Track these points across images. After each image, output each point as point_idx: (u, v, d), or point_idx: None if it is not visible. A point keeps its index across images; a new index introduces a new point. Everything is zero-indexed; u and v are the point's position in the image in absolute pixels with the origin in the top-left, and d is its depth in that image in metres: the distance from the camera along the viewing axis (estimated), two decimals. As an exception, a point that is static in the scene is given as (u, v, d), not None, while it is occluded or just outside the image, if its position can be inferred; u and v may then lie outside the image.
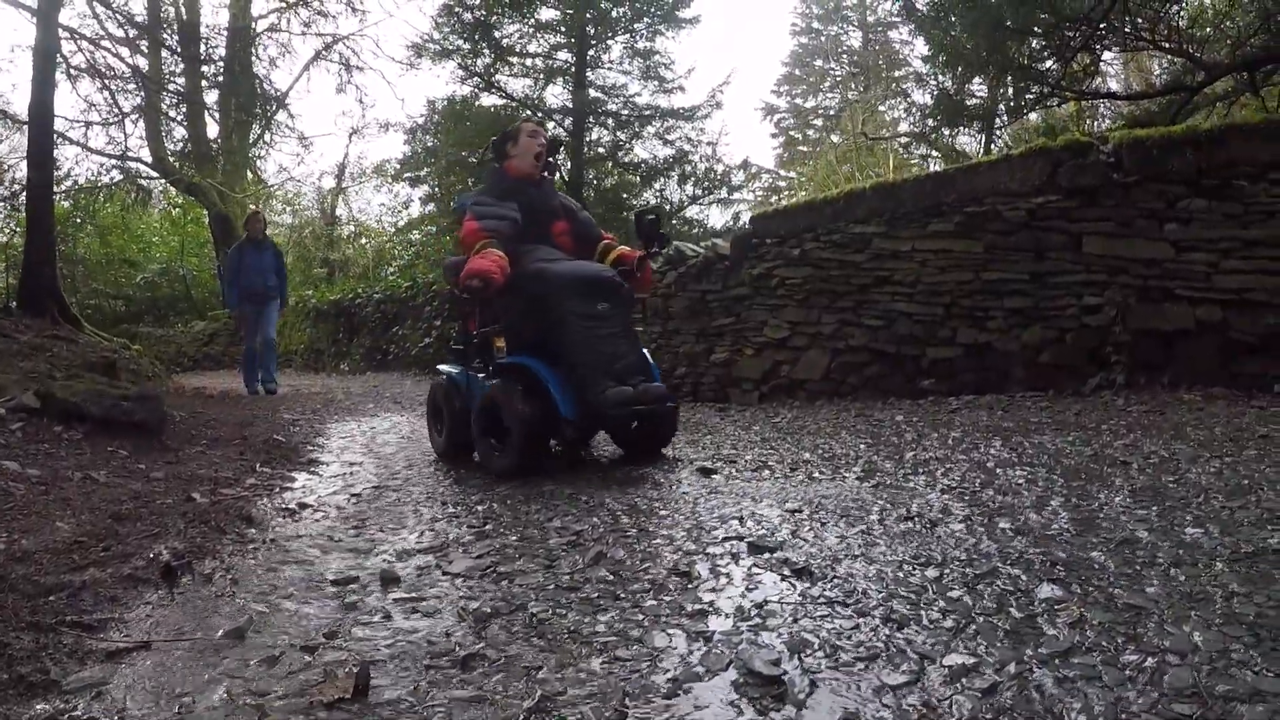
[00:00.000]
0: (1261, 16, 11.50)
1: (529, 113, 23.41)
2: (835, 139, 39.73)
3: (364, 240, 35.98)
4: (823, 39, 51.75)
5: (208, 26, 20.39)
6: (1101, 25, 11.72)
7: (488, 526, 4.45)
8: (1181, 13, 12.48)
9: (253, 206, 17.89)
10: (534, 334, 6.17)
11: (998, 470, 4.94)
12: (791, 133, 51.17)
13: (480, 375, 6.64)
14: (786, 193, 44.55)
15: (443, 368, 7.48)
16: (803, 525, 3.98)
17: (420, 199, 28.20)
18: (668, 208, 23.65)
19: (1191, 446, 5.20)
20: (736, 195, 25.89)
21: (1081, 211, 8.08)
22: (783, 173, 47.63)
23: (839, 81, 50.27)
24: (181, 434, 7.18)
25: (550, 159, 7.12)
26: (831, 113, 48.22)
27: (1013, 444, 5.79)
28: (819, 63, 51.02)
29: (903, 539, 3.64)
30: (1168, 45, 12.39)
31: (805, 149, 47.77)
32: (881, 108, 34.01)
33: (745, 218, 20.94)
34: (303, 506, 5.18)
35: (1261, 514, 3.57)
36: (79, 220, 24.76)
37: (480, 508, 4.98)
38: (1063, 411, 7.16)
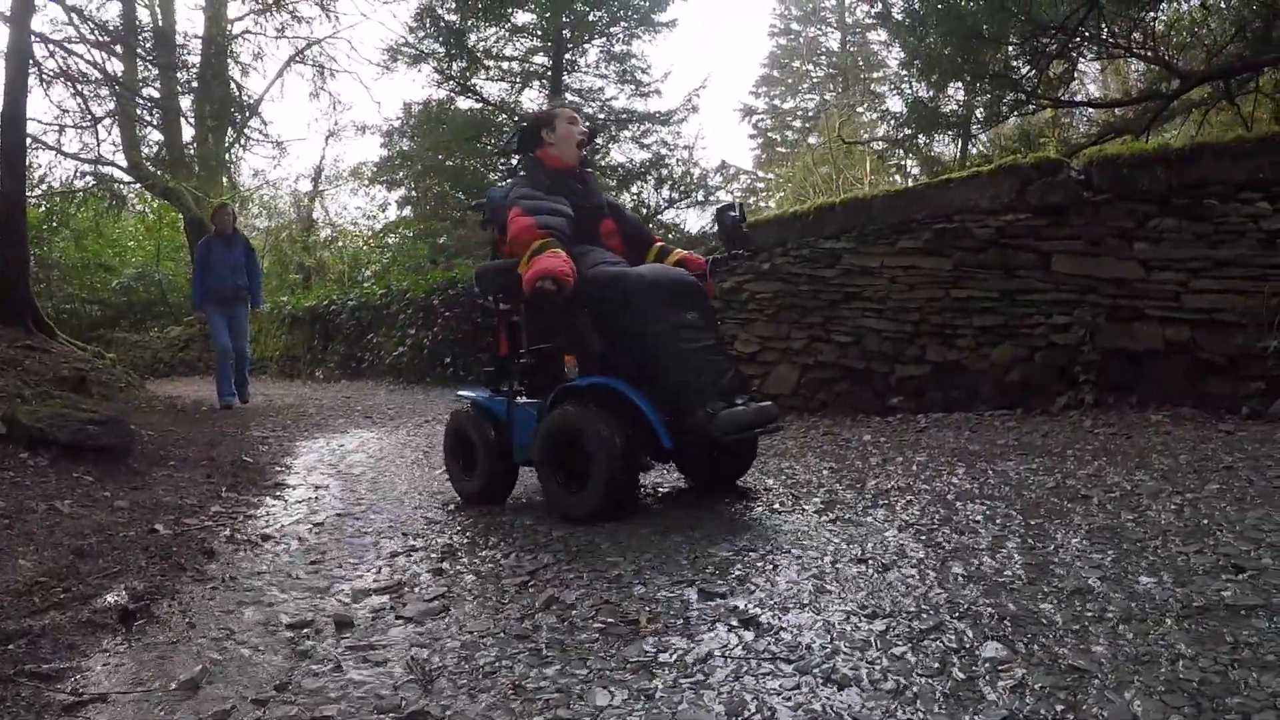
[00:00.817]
0: (1237, 24, 11.55)
1: (505, 116, 23.39)
2: (813, 140, 39.86)
3: (340, 243, 35.94)
4: (801, 40, 51.79)
5: (183, 34, 20.33)
6: (1077, 33, 11.74)
7: (444, 563, 4.45)
8: (1157, 20, 12.51)
9: (222, 200, 17.33)
10: (608, 349, 5.45)
11: (957, 504, 4.93)
12: (770, 134, 51.23)
13: (526, 400, 5.86)
14: (764, 193, 44.67)
15: (467, 393, 6.50)
16: (754, 568, 3.96)
17: (397, 202, 28.18)
18: (644, 211, 23.62)
19: (1154, 478, 5.21)
20: (713, 198, 25.92)
21: (1051, 230, 8.08)
22: (761, 174, 47.76)
23: (817, 83, 50.32)
24: (149, 455, 7.18)
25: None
26: (810, 114, 48.30)
27: (976, 471, 5.79)
28: (797, 64, 51.05)
29: (854, 585, 3.62)
30: (1143, 53, 12.43)
31: (783, 150, 47.89)
32: (860, 109, 34.06)
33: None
34: (265, 538, 5.17)
35: (1217, 560, 3.56)
36: (54, 224, 24.66)
37: (440, 540, 5.00)
38: (1030, 433, 7.18)
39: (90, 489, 5.81)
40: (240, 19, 25.51)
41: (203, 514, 5.66)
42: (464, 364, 15.33)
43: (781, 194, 39.63)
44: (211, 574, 4.38)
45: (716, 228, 6.13)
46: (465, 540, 4.94)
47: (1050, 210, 8.07)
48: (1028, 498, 4.99)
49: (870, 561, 3.93)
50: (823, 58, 50.91)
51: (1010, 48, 12.68)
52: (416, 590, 4.00)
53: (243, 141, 23.08)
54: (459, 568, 4.36)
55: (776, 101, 51.78)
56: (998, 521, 4.48)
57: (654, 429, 5.08)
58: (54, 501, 5.30)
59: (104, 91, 17.25)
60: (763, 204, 44.29)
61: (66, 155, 20.05)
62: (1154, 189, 7.59)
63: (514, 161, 6.77)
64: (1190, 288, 7.38)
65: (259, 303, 13.84)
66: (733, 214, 5.94)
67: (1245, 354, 7.10)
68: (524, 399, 5.89)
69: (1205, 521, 4.18)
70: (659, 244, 6.42)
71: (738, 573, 3.90)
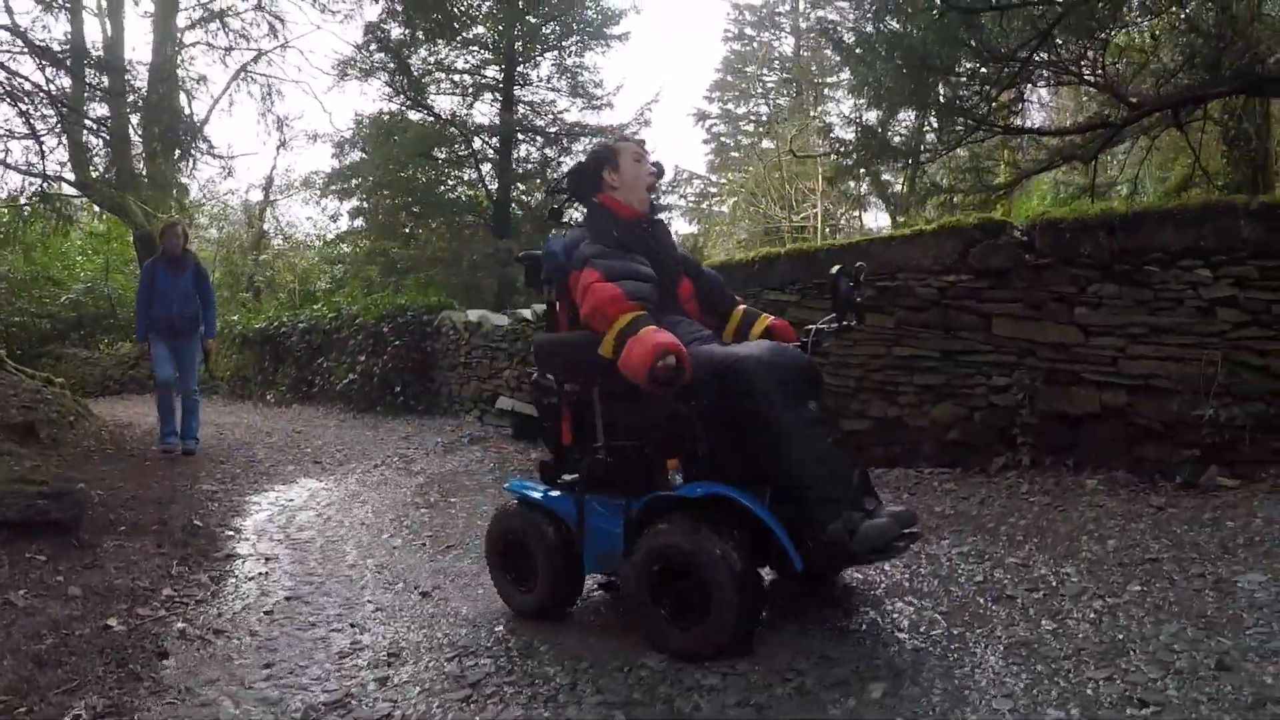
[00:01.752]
0: (1187, 53, 11.66)
1: (457, 129, 23.45)
2: (767, 144, 40.00)
3: (291, 255, 35.80)
4: (755, 45, 51.87)
5: (130, 62, 20.14)
6: (1030, 61, 11.82)
7: (390, 669, 4.57)
8: (1108, 46, 12.58)
9: (172, 218, 15.27)
10: (714, 448, 4.56)
11: (886, 603, 5.01)
12: (723, 138, 51.33)
13: (597, 497, 4.92)
14: (716, 198, 44.87)
15: (520, 488, 5.45)
16: (682, 685, 4.04)
17: (349, 213, 28.06)
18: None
19: (1080, 571, 5.33)
20: (665, 202, 26.04)
21: (992, 292, 8.16)
22: (714, 178, 47.91)
23: (771, 88, 50.44)
24: (99, 522, 7.17)
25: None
26: (763, 119, 48.44)
27: (909, 556, 5.76)
28: (751, 69, 51.14)
29: (777, 710, 3.75)
30: (1093, 80, 12.53)
31: (737, 155, 48.03)
32: (813, 114, 34.20)
33: (675, 225, 20.71)
34: (217, 633, 5.24)
35: (1124, 691, 3.69)
36: (0, 236, 24.41)
37: (387, 634, 5.13)
38: (967, 498, 7.34)
39: (43, 573, 5.85)
40: (190, 28, 25.47)
41: (155, 600, 5.72)
42: (414, 393, 15.42)
43: (735, 199, 39.84)
44: (167, 681, 4.48)
45: (830, 294, 5.23)
46: (410, 639, 5.02)
47: (992, 273, 8.14)
48: (955, 596, 5.09)
49: (793, 681, 4.01)
50: (776, 63, 51.04)
51: (961, 77, 12.76)
52: (364, 705, 4.12)
53: (190, 160, 22.85)
54: (404, 676, 4.47)
55: (730, 106, 51.89)
56: (922, 629, 4.60)
57: (783, 549, 4.26)
58: (8, 593, 5.34)
59: (49, 111, 17.13)
60: (716, 208, 44.55)
61: (10, 168, 19.89)
62: (1096, 254, 7.65)
63: (555, 204, 5.89)
64: (1128, 353, 7.48)
65: (212, 333, 12.08)
66: (848, 281, 5.16)
67: (1181, 421, 7.20)
68: (593, 496, 4.96)
69: (1121, 637, 4.29)
70: (743, 307, 5.59)
71: (665, 692, 3.99)
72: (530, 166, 24.88)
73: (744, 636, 4.27)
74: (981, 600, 4.99)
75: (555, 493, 5.21)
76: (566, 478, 5.21)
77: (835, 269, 5.19)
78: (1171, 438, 7.29)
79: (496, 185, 23.94)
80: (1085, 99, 18.39)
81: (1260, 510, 6.12)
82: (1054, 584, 5.16)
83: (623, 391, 4.61)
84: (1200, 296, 7.23)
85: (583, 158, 5.48)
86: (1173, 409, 7.24)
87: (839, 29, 14.88)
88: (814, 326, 5.32)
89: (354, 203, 27.04)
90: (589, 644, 4.68)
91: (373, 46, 23.38)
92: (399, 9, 22.57)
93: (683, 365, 4.30)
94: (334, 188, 27.13)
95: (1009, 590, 5.12)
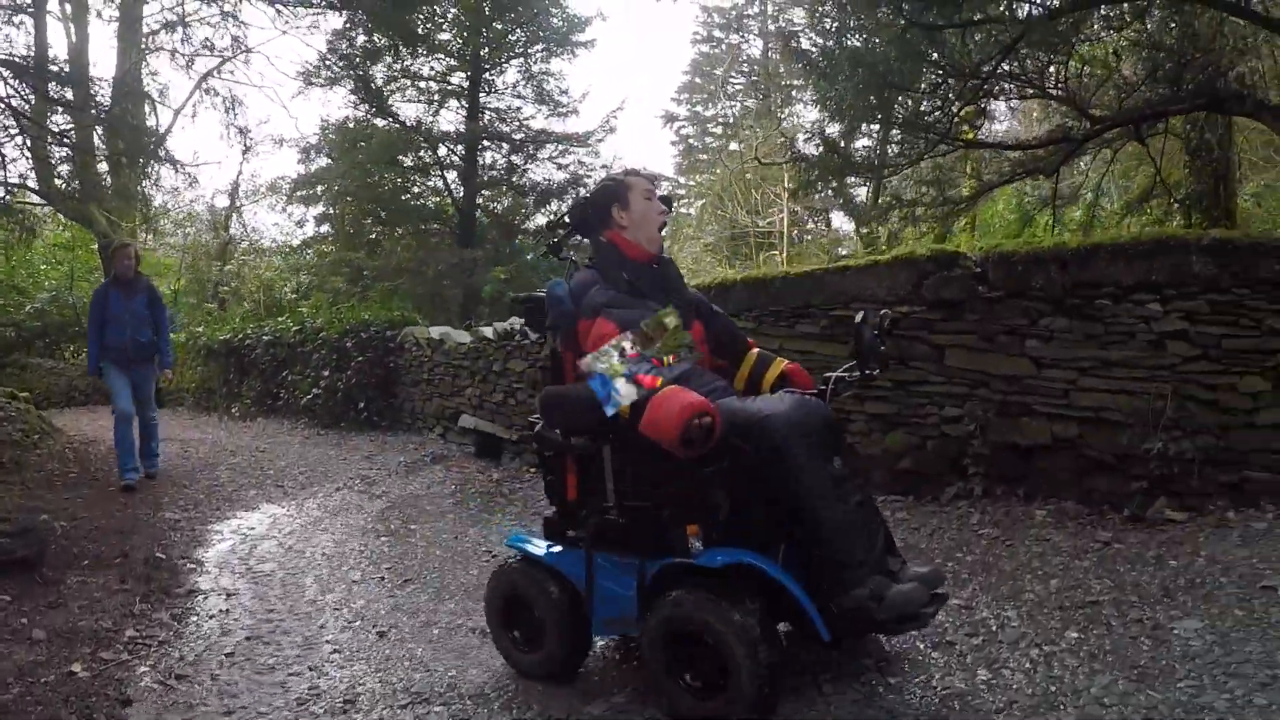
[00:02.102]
0: (1149, 67, 11.72)
1: (422, 137, 23.48)
2: (734, 146, 40.02)
3: (257, 262, 35.59)
4: (723, 47, 51.86)
5: (95, 79, 20.08)
6: (993, 76, 11.84)
7: (345, 718, 4.68)
8: (1069, 61, 12.62)
9: (124, 239, 14.67)
10: (733, 510, 4.30)
11: (831, 650, 4.87)
12: (691, 140, 51.33)
13: (606, 555, 4.70)
14: (685, 200, 44.85)
15: (520, 543, 5.23)
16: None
17: (315, 218, 27.89)
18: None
19: (1021, 615, 5.40)
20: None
21: (945, 324, 8.21)
22: (682, 180, 47.93)
23: (738, 91, 50.44)
24: (63, 556, 7.23)
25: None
26: (731, 121, 48.47)
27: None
28: (719, 71, 51.14)
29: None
30: (1056, 93, 12.58)
31: (705, 156, 48.07)
32: (780, 117, 34.21)
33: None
34: (179, 678, 5.30)
35: (1051, 748, 3.80)
36: (-38, 243, 24.24)
37: (343, 677, 5.23)
38: (918, 528, 7.44)
39: (8, 614, 5.91)
40: (154, 34, 25.36)
41: (118, 642, 5.77)
42: (377, 409, 15.44)
43: (703, 201, 39.87)
44: (131, 731, 4.58)
45: (855, 339, 5.00)
46: (367, 684, 5.10)
47: (945, 304, 8.18)
48: (894, 642, 5.11)
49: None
50: (745, 65, 51.06)
51: (924, 92, 12.79)
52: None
53: (153, 172, 22.61)
54: (359, 723, 4.55)
55: (699, 108, 51.89)
56: (862, 679, 4.67)
57: (808, 615, 4.08)
58: (-27, 640, 5.43)
59: (10, 122, 17.04)
60: (684, 210, 44.59)
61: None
62: (1048, 288, 7.71)
63: (556, 237, 5.44)
64: (1079, 386, 7.55)
65: (168, 362, 11.78)
66: (873, 330, 4.99)
67: (1130, 453, 7.26)
68: (603, 555, 4.73)
69: (1054, 689, 4.38)
70: (756, 351, 5.29)
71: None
72: (496, 173, 24.92)
73: (765, 705, 4.09)
74: (921, 646, 5.07)
75: (558, 549, 4.98)
76: (571, 534, 4.92)
77: (859, 316, 5.03)
78: (1122, 470, 7.36)
79: (462, 193, 23.97)
80: (1049, 110, 18.43)
81: (1205, 547, 6.19)
82: (994, 629, 5.24)
83: (636, 449, 4.38)
84: (1151, 330, 7.29)
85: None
86: (1123, 441, 7.30)
87: (801, 37, 14.90)
88: (833, 374, 5.08)
89: (320, 209, 26.98)
90: (535, 691, 4.78)
91: (336, 56, 23.40)
92: (362, 18, 22.58)
93: (715, 426, 4.04)
94: (300, 193, 27.02)
95: (949, 635, 5.20)
